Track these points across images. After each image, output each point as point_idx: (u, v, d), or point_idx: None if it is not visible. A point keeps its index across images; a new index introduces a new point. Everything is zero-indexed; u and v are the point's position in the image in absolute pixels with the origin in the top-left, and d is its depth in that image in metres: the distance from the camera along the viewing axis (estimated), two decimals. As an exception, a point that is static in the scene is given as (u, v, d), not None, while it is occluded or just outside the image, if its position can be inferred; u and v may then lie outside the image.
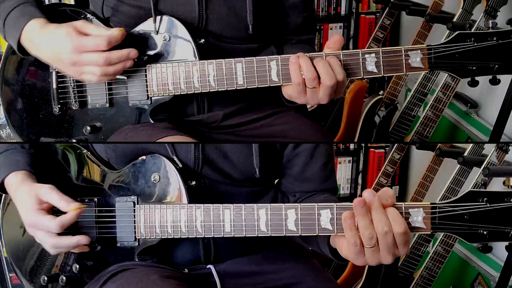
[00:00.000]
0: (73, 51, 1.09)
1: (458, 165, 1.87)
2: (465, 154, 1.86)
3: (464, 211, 0.95)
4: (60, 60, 1.11)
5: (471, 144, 1.87)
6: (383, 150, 2.57)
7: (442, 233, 1.91)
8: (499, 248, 2.00)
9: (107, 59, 1.09)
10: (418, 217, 0.97)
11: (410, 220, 0.97)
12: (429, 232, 0.98)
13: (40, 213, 1.09)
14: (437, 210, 0.96)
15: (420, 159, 2.44)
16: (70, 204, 1.09)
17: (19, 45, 1.14)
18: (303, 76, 1.07)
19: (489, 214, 0.95)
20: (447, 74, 1.95)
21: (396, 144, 2.20)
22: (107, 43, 1.08)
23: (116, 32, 1.10)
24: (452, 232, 0.96)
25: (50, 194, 1.10)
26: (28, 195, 1.11)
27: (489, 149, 1.76)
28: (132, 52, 1.11)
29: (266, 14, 1.22)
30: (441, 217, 0.96)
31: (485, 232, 0.95)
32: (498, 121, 1.85)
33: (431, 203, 0.96)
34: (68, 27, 1.11)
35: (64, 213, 1.09)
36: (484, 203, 0.94)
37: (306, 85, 1.08)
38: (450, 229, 0.96)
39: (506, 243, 0.97)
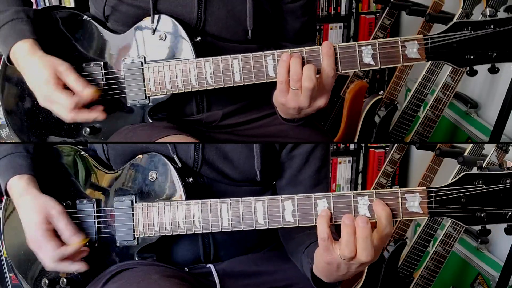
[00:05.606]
0: (45, 99, 1.13)
1: (458, 165, 1.87)
2: (465, 154, 1.85)
3: (460, 194, 0.94)
4: (35, 91, 1.15)
5: (471, 144, 1.87)
6: (383, 150, 2.57)
7: (442, 233, 1.91)
8: (499, 248, 2.00)
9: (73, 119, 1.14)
10: (415, 202, 0.96)
11: (406, 205, 0.96)
12: (427, 217, 0.97)
13: (47, 234, 1.10)
14: (434, 194, 0.95)
15: (420, 159, 2.44)
16: (74, 234, 1.11)
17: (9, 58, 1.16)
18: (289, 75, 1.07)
19: (486, 196, 0.94)
20: (447, 74, 1.97)
21: (396, 144, 2.19)
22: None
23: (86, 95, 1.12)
24: (449, 216, 0.96)
25: (59, 221, 1.11)
26: (36, 212, 1.11)
27: (489, 149, 1.76)
28: (100, 117, 1.14)
29: (265, 19, 1.22)
30: (438, 201, 0.95)
31: (482, 215, 0.94)
32: (498, 121, 1.85)
33: (427, 188, 0.96)
34: (49, 69, 1.11)
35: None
36: (481, 185, 0.94)
37: (290, 86, 1.07)
38: (447, 213, 0.95)
39: (505, 225, 0.96)
